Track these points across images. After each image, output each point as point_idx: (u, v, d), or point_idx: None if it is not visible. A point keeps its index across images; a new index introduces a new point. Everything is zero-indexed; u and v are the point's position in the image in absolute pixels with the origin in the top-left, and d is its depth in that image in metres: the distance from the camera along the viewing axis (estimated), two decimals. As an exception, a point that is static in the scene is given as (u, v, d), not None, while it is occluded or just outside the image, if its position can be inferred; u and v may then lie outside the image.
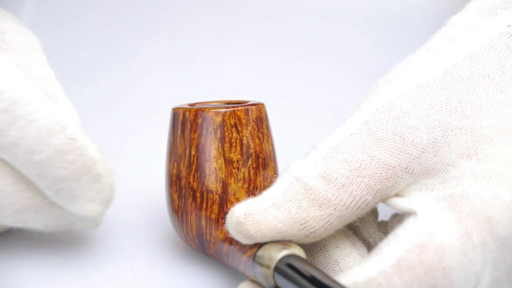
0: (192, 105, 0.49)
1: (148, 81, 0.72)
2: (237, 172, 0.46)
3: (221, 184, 0.45)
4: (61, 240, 0.50)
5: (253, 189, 0.46)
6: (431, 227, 0.38)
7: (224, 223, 0.44)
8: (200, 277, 0.48)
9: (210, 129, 0.46)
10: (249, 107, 0.47)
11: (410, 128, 0.41)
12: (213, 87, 0.70)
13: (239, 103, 0.49)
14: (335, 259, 0.42)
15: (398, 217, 0.43)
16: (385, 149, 0.41)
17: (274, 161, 0.48)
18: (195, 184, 0.46)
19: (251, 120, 0.47)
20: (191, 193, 0.46)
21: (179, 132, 0.47)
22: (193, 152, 0.46)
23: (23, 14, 0.69)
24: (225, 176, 0.46)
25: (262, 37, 0.74)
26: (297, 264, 0.38)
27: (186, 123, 0.47)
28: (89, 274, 0.48)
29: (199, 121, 0.46)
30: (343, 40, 0.73)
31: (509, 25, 0.43)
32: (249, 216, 0.40)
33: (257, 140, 0.47)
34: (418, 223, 0.38)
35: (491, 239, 0.38)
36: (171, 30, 0.75)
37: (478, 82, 0.42)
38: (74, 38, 0.73)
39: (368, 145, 0.41)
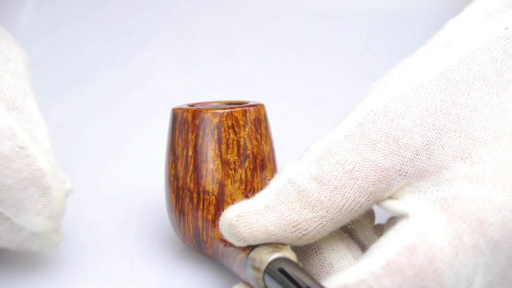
0: (192, 105, 0.49)
1: (151, 81, 0.72)
2: (233, 173, 0.46)
3: (217, 185, 0.46)
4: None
5: (250, 191, 0.46)
6: (423, 230, 0.38)
7: None
8: (200, 277, 0.48)
9: (207, 130, 0.46)
10: (247, 108, 0.47)
11: (404, 131, 0.41)
12: (217, 87, 0.70)
13: (239, 103, 0.49)
14: (330, 261, 0.42)
15: (394, 220, 0.43)
16: (378, 151, 0.41)
17: (273, 163, 0.48)
18: (192, 185, 0.46)
19: (248, 121, 0.47)
20: (188, 193, 0.46)
21: (177, 132, 0.47)
22: (190, 153, 0.46)
23: (24, 12, 0.69)
24: (222, 177, 0.46)
25: (266, 38, 0.74)
26: (286, 268, 0.38)
27: (184, 123, 0.47)
28: (89, 275, 0.48)
29: (197, 122, 0.46)
30: (346, 40, 0.73)
31: (506, 28, 0.43)
32: (242, 218, 0.40)
33: (254, 142, 0.47)
34: (410, 225, 0.38)
35: (483, 242, 0.38)
36: (175, 31, 0.75)
37: (474, 84, 0.41)
38: (75, 39, 0.73)
39: (362, 147, 0.41)
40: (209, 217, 0.45)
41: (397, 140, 0.41)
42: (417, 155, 0.40)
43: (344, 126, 0.42)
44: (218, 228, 0.44)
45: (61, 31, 0.72)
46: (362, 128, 0.41)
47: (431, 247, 0.37)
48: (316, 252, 0.42)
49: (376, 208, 0.44)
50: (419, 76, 0.42)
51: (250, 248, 0.41)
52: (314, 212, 0.40)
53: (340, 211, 0.40)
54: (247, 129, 0.47)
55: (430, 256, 0.37)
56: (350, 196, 0.40)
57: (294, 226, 0.40)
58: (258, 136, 0.47)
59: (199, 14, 0.74)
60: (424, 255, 0.37)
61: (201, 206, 0.46)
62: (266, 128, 0.48)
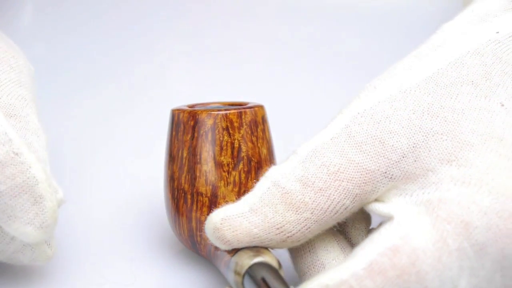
0: (191, 106, 0.50)
1: (156, 82, 0.72)
2: (227, 175, 0.46)
3: (210, 187, 0.46)
4: (60, 240, 0.51)
5: (244, 193, 0.46)
6: (406, 231, 0.37)
7: None
8: (199, 278, 0.48)
9: (201, 132, 0.46)
10: (242, 110, 0.47)
11: (390, 133, 0.41)
12: (225, 88, 0.70)
13: (239, 105, 0.49)
14: (322, 261, 0.42)
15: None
16: (364, 153, 0.40)
17: (271, 165, 0.48)
18: (186, 186, 0.46)
19: (244, 124, 0.47)
20: (183, 194, 0.46)
21: (174, 133, 0.48)
22: (185, 154, 0.47)
23: (24, 13, 0.70)
24: (215, 179, 0.46)
25: (273, 40, 0.74)
26: (263, 273, 0.38)
27: (180, 124, 0.47)
28: (89, 275, 0.48)
29: (191, 123, 0.47)
30: (351, 42, 0.73)
31: (497, 32, 0.43)
32: (226, 222, 0.41)
33: (250, 144, 0.47)
34: (393, 227, 0.38)
35: (468, 245, 0.37)
36: (181, 31, 0.75)
37: (462, 88, 0.41)
38: (75, 40, 0.73)
39: (347, 149, 0.41)
40: (203, 218, 0.46)
41: (383, 143, 0.40)
42: (403, 157, 0.40)
43: (331, 128, 0.42)
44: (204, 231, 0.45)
45: (61, 33, 0.72)
46: (349, 130, 0.41)
47: (414, 248, 0.37)
48: (309, 250, 0.42)
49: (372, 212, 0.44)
50: (408, 79, 0.42)
51: (235, 251, 0.41)
52: (298, 214, 0.40)
53: (325, 213, 0.40)
54: (242, 131, 0.47)
55: (413, 258, 0.37)
56: (335, 198, 0.40)
57: (278, 229, 0.40)
58: (254, 138, 0.47)
59: (208, 15, 0.74)
60: (407, 256, 0.37)
61: (194, 207, 0.46)
62: (264, 130, 0.48)
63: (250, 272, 0.39)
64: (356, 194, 0.40)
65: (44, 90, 0.54)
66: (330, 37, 0.75)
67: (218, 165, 0.46)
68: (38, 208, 0.41)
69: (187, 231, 0.46)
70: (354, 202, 0.40)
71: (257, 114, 0.48)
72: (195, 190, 0.46)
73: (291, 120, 0.61)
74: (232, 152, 0.46)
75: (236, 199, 0.46)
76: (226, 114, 0.46)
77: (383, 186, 0.41)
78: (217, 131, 0.46)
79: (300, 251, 0.43)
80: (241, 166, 0.46)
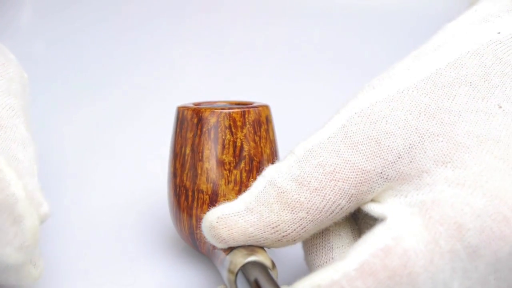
0: (197, 104, 0.50)
1: (163, 81, 0.72)
2: (228, 174, 0.46)
3: (211, 184, 0.46)
4: (60, 240, 0.51)
5: (244, 192, 0.46)
6: (398, 232, 0.37)
7: None
8: (201, 278, 0.48)
9: (204, 129, 0.47)
10: (246, 109, 0.47)
11: (386, 133, 0.40)
12: (235, 88, 0.70)
13: (245, 104, 0.50)
14: (331, 245, 0.42)
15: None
16: (360, 153, 0.40)
17: (273, 165, 0.48)
18: (188, 183, 0.47)
19: (247, 123, 0.47)
20: (184, 191, 0.47)
21: (178, 130, 0.48)
22: (187, 151, 0.47)
23: (24, 10, 0.70)
24: (216, 177, 0.46)
25: (286, 41, 0.74)
26: (256, 274, 0.38)
27: (184, 121, 0.47)
28: (89, 275, 0.48)
29: (195, 120, 0.47)
30: (361, 43, 0.73)
31: (499, 32, 0.43)
32: (222, 220, 0.41)
33: (252, 143, 0.47)
34: (386, 227, 0.38)
35: (460, 247, 0.37)
36: (195, 32, 0.76)
37: (460, 89, 0.41)
38: (77, 38, 0.73)
39: (344, 149, 0.41)
40: (203, 215, 0.46)
41: (379, 143, 0.40)
42: (399, 158, 0.40)
43: (328, 128, 0.42)
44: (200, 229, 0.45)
45: (62, 31, 0.72)
46: (345, 130, 0.41)
47: (405, 250, 0.37)
48: (321, 232, 0.42)
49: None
50: (406, 79, 0.42)
51: (230, 249, 0.41)
52: (293, 213, 0.40)
53: (320, 212, 0.40)
54: (244, 130, 0.47)
55: (404, 259, 0.37)
56: (330, 197, 0.40)
57: (273, 228, 0.40)
58: (257, 138, 0.47)
59: (215, 14, 0.74)
60: (398, 257, 0.37)
61: (195, 205, 0.46)
62: (267, 130, 0.48)
63: (243, 271, 0.39)
64: (352, 194, 0.40)
65: (44, 90, 0.55)
66: (342, 38, 0.75)
67: (220, 163, 0.46)
68: (17, 228, 0.39)
69: (187, 228, 0.47)
70: (350, 203, 0.40)
71: (261, 114, 0.48)
72: (196, 187, 0.46)
73: (299, 121, 0.61)
74: (234, 151, 0.46)
75: (237, 197, 0.46)
76: (229, 112, 0.47)
77: (379, 187, 0.41)
78: (219, 129, 0.46)
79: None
80: (242, 165, 0.47)
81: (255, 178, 0.46)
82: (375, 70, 0.45)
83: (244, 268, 0.39)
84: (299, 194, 0.40)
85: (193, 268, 0.49)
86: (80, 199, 0.56)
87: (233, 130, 0.47)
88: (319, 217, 0.40)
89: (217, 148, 0.46)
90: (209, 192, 0.46)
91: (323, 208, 0.40)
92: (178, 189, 0.47)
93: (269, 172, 0.41)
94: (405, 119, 0.40)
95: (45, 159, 0.51)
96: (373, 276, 0.36)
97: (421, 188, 0.39)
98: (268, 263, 0.40)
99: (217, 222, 0.41)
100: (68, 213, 0.52)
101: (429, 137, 0.40)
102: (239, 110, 0.47)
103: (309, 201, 0.40)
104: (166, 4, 0.76)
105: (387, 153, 0.40)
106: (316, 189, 0.40)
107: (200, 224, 0.46)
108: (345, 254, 0.38)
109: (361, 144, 0.40)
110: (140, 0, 0.76)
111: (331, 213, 0.40)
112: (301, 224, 0.40)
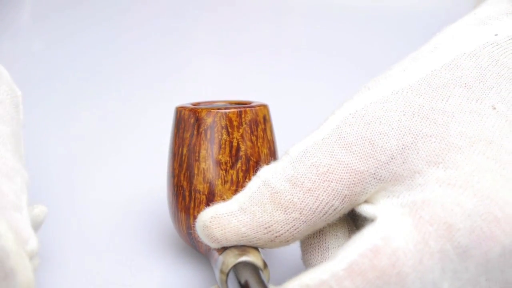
0: (196, 104, 0.50)
1: (159, 81, 0.72)
2: (224, 174, 0.46)
3: (208, 184, 0.46)
4: (60, 239, 0.51)
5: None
6: (388, 232, 0.37)
7: None
8: (200, 278, 0.48)
9: (201, 129, 0.47)
10: (242, 109, 0.47)
11: (380, 134, 0.41)
12: (237, 88, 0.70)
13: (243, 104, 0.50)
14: (328, 245, 0.42)
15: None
16: (354, 154, 0.40)
17: (271, 165, 0.48)
18: (185, 183, 0.47)
19: (243, 123, 0.47)
20: (181, 191, 0.47)
21: (175, 130, 0.48)
22: (184, 151, 0.47)
23: (23, 12, 0.70)
24: (212, 177, 0.46)
25: (289, 40, 0.74)
26: (246, 275, 0.38)
27: (181, 121, 0.48)
28: (89, 275, 0.48)
29: (192, 120, 0.47)
30: (358, 42, 0.73)
31: (496, 34, 0.43)
32: (215, 220, 0.41)
33: (249, 143, 0.47)
34: (375, 227, 0.38)
35: (450, 248, 0.37)
36: (204, 31, 0.76)
37: (454, 90, 0.41)
38: (77, 37, 0.73)
39: (337, 149, 0.41)
40: (199, 215, 0.46)
41: (373, 144, 0.40)
42: (392, 159, 0.40)
43: (323, 129, 0.42)
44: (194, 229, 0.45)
45: (61, 30, 0.72)
46: (339, 131, 0.41)
47: (394, 249, 0.37)
48: (318, 232, 0.42)
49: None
50: (402, 80, 0.42)
51: (223, 249, 0.41)
52: (286, 214, 0.40)
53: (313, 213, 0.40)
54: (241, 130, 0.47)
55: (393, 259, 0.37)
56: (323, 198, 0.40)
57: (266, 228, 0.41)
58: (254, 138, 0.47)
59: (219, 14, 0.74)
60: (387, 257, 0.37)
61: (192, 205, 0.46)
62: (265, 129, 0.48)
63: (234, 271, 0.39)
64: (345, 195, 0.40)
65: (44, 89, 0.55)
66: (345, 38, 0.75)
67: (216, 163, 0.46)
68: (9, 284, 0.36)
69: (185, 228, 0.47)
70: (343, 204, 0.41)
71: (258, 114, 0.48)
72: (193, 187, 0.46)
73: (300, 121, 0.61)
74: (231, 151, 0.47)
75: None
76: (225, 112, 0.47)
77: (372, 188, 0.41)
78: (216, 129, 0.47)
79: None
80: (239, 165, 0.47)
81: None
82: (377, 70, 0.45)
83: (235, 268, 0.39)
84: (292, 195, 0.40)
85: (192, 268, 0.49)
86: (80, 199, 0.56)
87: (230, 130, 0.47)
88: (312, 218, 0.40)
89: (214, 148, 0.46)
90: (206, 192, 0.46)
91: (316, 208, 0.40)
92: (176, 189, 0.47)
93: (264, 172, 0.42)
94: (398, 120, 0.40)
95: (44, 159, 0.51)
96: (361, 276, 0.36)
97: (413, 188, 0.39)
98: (259, 263, 0.40)
99: (210, 222, 0.41)
100: (67, 213, 0.52)
101: (422, 137, 0.40)
102: (235, 110, 0.47)
103: (302, 201, 0.40)
104: (167, 4, 0.76)
105: (381, 154, 0.40)
106: (309, 190, 0.40)
107: (197, 224, 0.46)
108: (334, 254, 0.38)
109: (355, 145, 0.40)
110: (140, 0, 0.76)
111: (324, 214, 0.41)
112: (294, 225, 0.41)
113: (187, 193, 0.47)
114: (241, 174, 0.47)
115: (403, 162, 0.40)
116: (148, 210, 0.56)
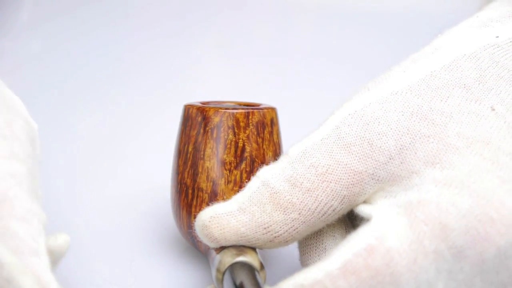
0: (205, 103, 0.50)
1: (168, 80, 0.73)
2: (228, 173, 0.47)
3: (211, 183, 0.46)
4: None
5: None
6: (382, 232, 0.37)
7: None
8: (200, 277, 0.49)
9: (207, 128, 0.47)
10: (250, 110, 0.47)
11: (379, 134, 0.41)
12: (248, 89, 0.70)
13: (252, 105, 0.50)
14: (325, 246, 0.42)
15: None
16: (352, 154, 0.41)
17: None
18: (188, 180, 0.47)
19: (250, 124, 0.47)
20: (185, 188, 0.47)
21: (183, 127, 0.49)
22: (190, 149, 0.47)
23: (23, 10, 0.70)
24: (216, 176, 0.46)
25: (300, 45, 0.74)
26: (241, 275, 0.39)
27: (189, 119, 0.48)
28: (89, 275, 0.49)
29: (199, 119, 0.47)
30: (370, 47, 0.73)
31: (497, 36, 0.43)
32: (214, 220, 0.41)
33: (254, 145, 0.47)
34: (370, 227, 0.38)
35: (445, 248, 0.37)
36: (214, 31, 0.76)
37: (453, 91, 0.41)
38: (77, 36, 0.73)
39: (336, 150, 0.41)
40: (201, 214, 0.46)
41: (372, 144, 0.41)
42: (390, 159, 0.40)
43: (322, 129, 0.42)
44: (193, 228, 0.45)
45: (61, 29, 0.72)
46: (339, 131, 0.41)
47: (388, 249, 0.37)
48: (316, 233, 0.42)
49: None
50: (401, 81, 0.42)
51: (221, 249, 0.42)
52: (285, 214, 0.41)
53: (312, 214, 0.40)
54: (247, 131, 0.47)
55: (387, 259, 0.37)
56: (322, 199, 0.40)
57: (265, 228, 0.41)
58: (260, 140, 0.48)
59: (227, 15, 0.74)
60: (381, 257, 0.37)
61: (194, 203, 0.47)
62: (271, 132, 0.48)
63: (230, 271, 0.39)
64: (344, 195, 0.40)
65: (44, 89, 0.55)
66: (356, 43, 0.75)
67: (221, 162, 0.47)
68: None
69: (186, 226, 0.47)
70: (342, 204, 0.41)
71: (266, 116, 0.48)
72: (196, 185, 0.47)
73: (309, 125, 0.61)
74: (236, 151, 0.47)
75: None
76: (233, 113, 0.47)
77: (371, 188, 0.41)
78: (222, 129, 0.47)
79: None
80: (243, 165, 0.47)
81: (255, 180, 0.47)
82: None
83: (232, 268, 0.39)
84: (291, 195, 0.40)
85: (193, 269, 0.49)
86: (83, 199, 0.56)
87: (236, 130, 0.47)
88: (311, 218, 0.41)
89: (219, 148, 0.47)
90: (209, 191, 0.46)
91: (315, 209, 0.40)
92: (179, 186, 0.47)
93: (263, 172, 0.42)
94: (397, 120, 0.41)
95: (49, 157, 0.51)
96: (355, 276, 0.36)
97: (409, 188, 0.39)
98: (256, 264, 0.40)
99: (209, 221, 0.41)
100: (70, 213, 0.53)
101: (420, 138, 0.40)
102: (243, 111, 0.47)
103: (301, 202, 0.40)
104: (179, 4, 0.76)
105: (379, 154, 0.40)
106: (308, 190, 0.40)
107: (198, 223, 0.46)
108: (329, 254, 0.38)
109: (354, 145, 0.41)
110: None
111: (323, 215, 0.41)
112: (293, 225, 0.41)
113: (190, 191, 0.47)
114: (244, 175, 0.47)
115: (401, 163, 0.40)
116: (153, 210, 0.56)
